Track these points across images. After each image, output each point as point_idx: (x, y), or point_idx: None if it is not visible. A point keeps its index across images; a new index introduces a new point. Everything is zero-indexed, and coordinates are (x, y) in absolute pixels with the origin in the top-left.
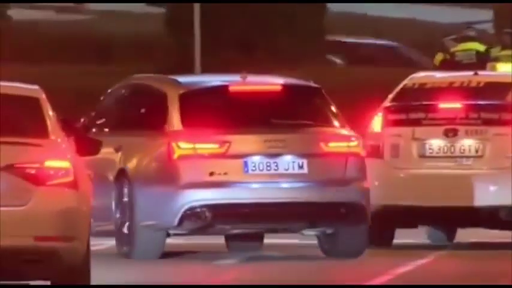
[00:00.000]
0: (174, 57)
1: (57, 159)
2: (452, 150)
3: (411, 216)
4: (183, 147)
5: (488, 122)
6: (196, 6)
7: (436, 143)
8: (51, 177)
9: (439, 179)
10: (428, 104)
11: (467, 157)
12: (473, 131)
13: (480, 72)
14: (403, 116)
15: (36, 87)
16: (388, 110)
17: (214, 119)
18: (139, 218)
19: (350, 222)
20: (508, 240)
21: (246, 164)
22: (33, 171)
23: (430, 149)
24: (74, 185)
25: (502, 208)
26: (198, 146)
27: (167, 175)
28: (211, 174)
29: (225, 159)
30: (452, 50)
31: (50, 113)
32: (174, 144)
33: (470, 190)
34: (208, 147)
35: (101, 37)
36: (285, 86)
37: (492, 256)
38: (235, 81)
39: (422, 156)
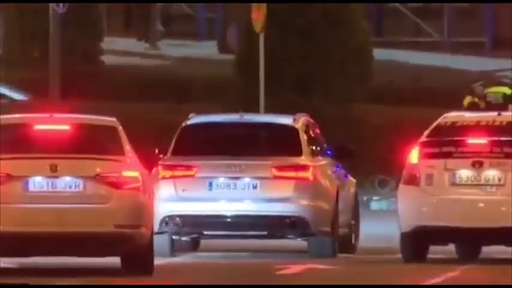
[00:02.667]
0: (242, 97)
1: (131, 170)
2: (479, 179)
3: (443, 235)
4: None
5: (509, 156)
6: (261, 52)
7: (465, 173)
8: (126, 183)
9: (467, 204)
10: (458, 139)
11: (491, 185)
12: (496, 163)
13: (503, 113)
14: (436, 150)
15: (114, 119)
16: (423, 144)
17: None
18: None
19: (294, 232)
20: None
21: (210, 184)
22: (114, 179)
23: (459, 178)
24: (140, 189)
25: None
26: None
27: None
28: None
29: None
30: (486, 91)
31: (125, 138)
32: (160, 168)
33: (494, 213)
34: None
35: (179, 79)
36: (260, 124)
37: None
38: (234, 120)
39: (453, 184)
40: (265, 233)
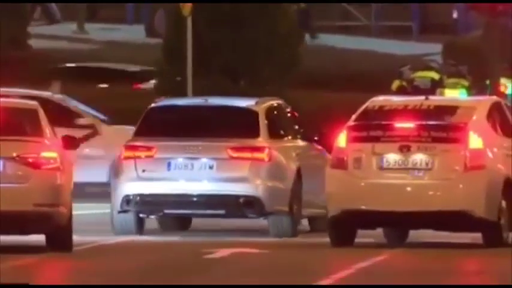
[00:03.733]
0: (169, 81)
1: (49, 151)
2: (406, 163)
3: (370, 219)
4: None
5: (436, 140)
6: (189, 36)
7: (392, 157)
8: (45, 163)
9: (394, 188)
10: (385, 123)
11: (419, 169)
12: (424, 147)
13: (431, 97)
14: (364, 134)
15: (35, 102)
16: (351, 128)
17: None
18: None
19: (250, 211)
20: (453, 240)
21: (169, 164)
22: (33, 160)
23: (387, 162)
24: (59, 169)
25: (448, 212)
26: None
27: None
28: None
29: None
30: (412, 76)
31: (45, 120)
32: (122, 148)
33: (421, 197)
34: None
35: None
36: (221, 107)
37: (438, 254)
38: (198, 103)
39: (381, 168)
40: (223, 212)
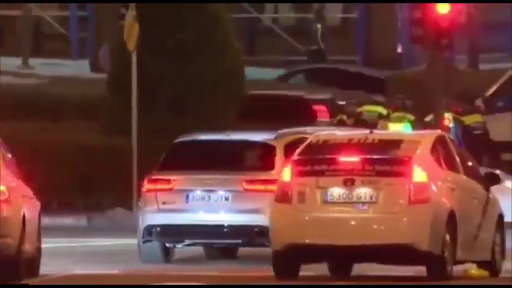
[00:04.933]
0: (115, 116)
1: None
2: (351, 197)
3: (315, 253)
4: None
5: (381, 174)
6: (134, 71)
7: (337, 191)
8: None
9: (339, 222)
10: (330, 157)
11: (363, 203)
12: (368, 181)
13: (375, 131)
14: (308, 168)
15: None
16: (295, 162)
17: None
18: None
19: (264, 240)
20: (397, 273)
21: (187, 196)
22: None
23: (331, 195)
24: (7, 202)
25: (392, 246)
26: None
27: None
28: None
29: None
30: (358, 110)
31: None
32: (145, 182)
33: (366, 231)
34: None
35: (53, 98)
36: (240, 141)
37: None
38: (218, 138)
39: (325, 202)
40: (239, 241)
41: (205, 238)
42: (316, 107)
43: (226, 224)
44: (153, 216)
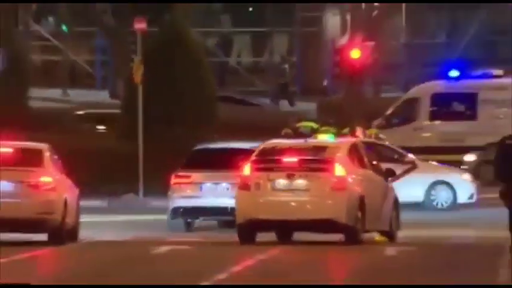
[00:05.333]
0: (127, 128)
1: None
2: (291, 186)
3: (266, 225)
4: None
5: (312, 170)
6: (140, 98)
7: (281, 182)
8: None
9: (283, 203)
10: (277, 158)
11: (300, 190)
12: (304, 175)
13: (309, 140)
14: (262, 166)
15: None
16: (253, 162)
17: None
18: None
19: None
20: (324, 239)
21: (201, 187)
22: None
23: (278, 185)
24: (53, 189)
25: (320, 220)
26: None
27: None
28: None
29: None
30: (297, 125)
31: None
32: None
33: (302, 210)
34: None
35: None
36: (236, 148)
37: (314, 248)
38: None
39: (274, 189)
40: (231, 218)
41: (215, 215)
42: None
43: (228, 206)
44: (178, 201)
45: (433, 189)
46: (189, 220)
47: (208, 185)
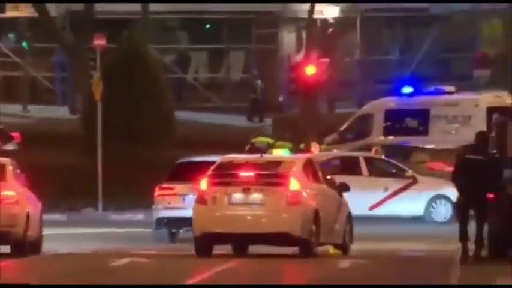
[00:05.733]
0: (85, 145)
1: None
2: (247, 200)
3: (223, 238)
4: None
5: (268, 184)
6: (99, 114)
7: (238, 196)
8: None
9: (239, 217)
10: (233, 173)
11: (256, 204)
12: (260, 189)
13: (264, 155)
14: (218, 180)
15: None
16: (210, 176)
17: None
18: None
19: None
20: (279, 252)
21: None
22: None
23: (234, 199)
24: (16, 202)
25: (276, 233)
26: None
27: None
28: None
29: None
30: (253, 140)
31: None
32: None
33: (257, 223)
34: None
35: (42, 132)
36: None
37: (270, 261)
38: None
39: (230, 203)
40: None
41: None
42: None
43: None
44: (162, 212)
45: (433, 203)
46: (173, 231)
47: (191, 196)
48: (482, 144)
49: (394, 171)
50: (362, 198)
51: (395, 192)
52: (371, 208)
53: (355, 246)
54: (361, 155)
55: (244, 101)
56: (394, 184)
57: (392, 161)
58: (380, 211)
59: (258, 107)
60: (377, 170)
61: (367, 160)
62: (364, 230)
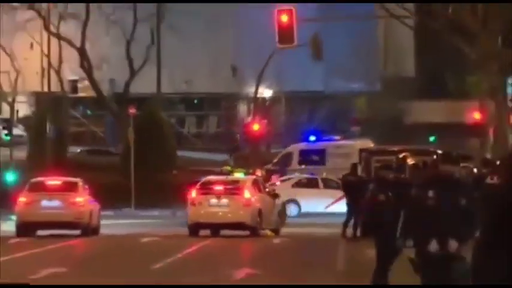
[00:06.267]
0: (122, 168)
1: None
2: (219, 203)
3: (205, 226)
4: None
5: (231, 193)
6: (131, 157)
7: (213, 201)
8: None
9: (215, 213)
10: (211, 187)
11: (224, 205)
12: (226, 197)
13: (229, 176)
14: (203, 191)
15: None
16: (198, 189)
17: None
18: None
19: None
20: (240, 234)
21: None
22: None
23: (212, 202)
24: (83, 205)
25: (236, 223)
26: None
27: None
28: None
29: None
30: (221, 168)
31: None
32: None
33: (227, 217)
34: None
35: None
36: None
37: (234, 239)
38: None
39: (209, 205)
40: None
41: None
42: None
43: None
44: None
45: None
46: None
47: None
48: (353, 170)
49: (336, 185)
50: (320, 202)
51: (338, 198)
52: (326, 207)
53: (288, 230)
54: (318, 177)
55: (219, 145)
56: (337, 193)
57: (335, 179)
58: (330, 209)
59: (237, 150)
60: (327, 185)
61: (323, 179)
62: (309, 221)
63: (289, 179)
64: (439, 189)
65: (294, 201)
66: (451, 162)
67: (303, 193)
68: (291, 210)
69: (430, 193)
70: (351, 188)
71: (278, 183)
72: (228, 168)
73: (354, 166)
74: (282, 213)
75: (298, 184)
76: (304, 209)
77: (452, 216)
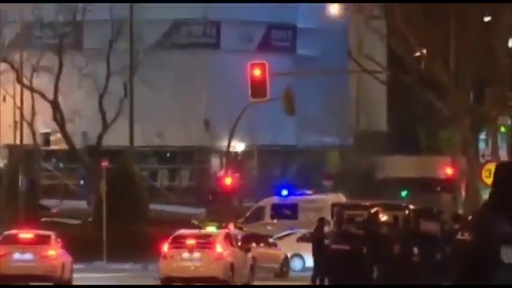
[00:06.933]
0: (94, 221)
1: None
2: (191, 257)
3: (177, 280)
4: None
5: (204, 247)
6: (104, 208)
7: (186, 254)
8: (50, 256)
9: (187, 267)
10: (183, 241)
11: (197, 259)
12: (199, 250)
13: (202, 230)
14: (175, 245)
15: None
16: (170, 243)
17: None
18: None
19: None
20: None
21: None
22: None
23: (184, 256)
24: (56, 258)
25: (208, 277)
26: None
27: None
28: None
29: None
30: (195, 221)
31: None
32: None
33: (199, 271)
34: None
35: None
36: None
37: None
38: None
39: (182, 259)
40: None
41: None
42: None
43: None
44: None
45: None
46: None
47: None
48: (321, 225)
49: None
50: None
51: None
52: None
53: (288, 283)
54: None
55: (191, 198)
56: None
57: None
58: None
59: (213, 202)
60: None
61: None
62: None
63: (293, 233)
64: (422, 246)
65: (299, 256)
66: (431, 218)
67: (308, 247)
68: (295, 264)
69: (415, 250)
70: (316, 242)
71: (232, 229)
72: (195, 222)
73: (321, 220)
74: (252, 267)
75: (303, 239)
76: (308, 264)
77: (432, 271)
